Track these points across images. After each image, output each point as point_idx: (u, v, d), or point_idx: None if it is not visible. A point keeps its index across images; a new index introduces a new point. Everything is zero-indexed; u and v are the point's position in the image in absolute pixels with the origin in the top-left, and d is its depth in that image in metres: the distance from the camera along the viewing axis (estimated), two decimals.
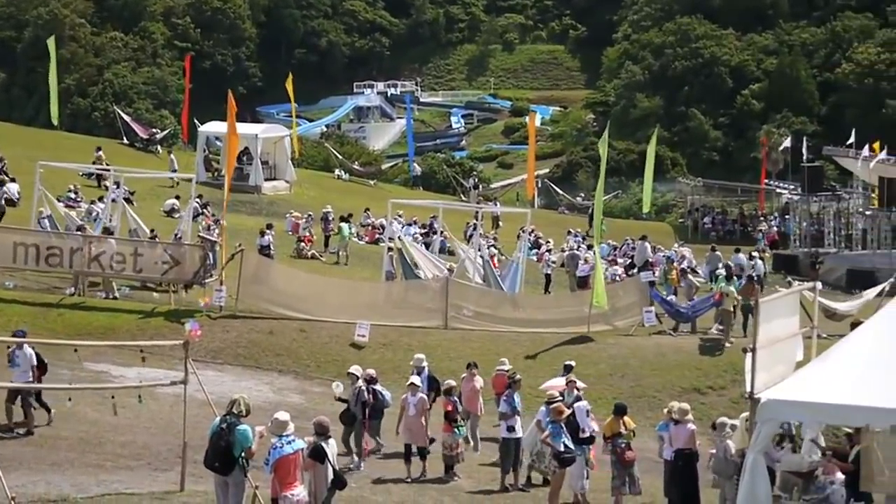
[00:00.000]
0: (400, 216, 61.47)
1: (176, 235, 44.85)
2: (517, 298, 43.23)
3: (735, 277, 41.47)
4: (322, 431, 18.24)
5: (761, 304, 20.63)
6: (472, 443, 28.09)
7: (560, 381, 27.67)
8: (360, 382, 26.08)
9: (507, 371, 29.15)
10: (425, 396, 25.70)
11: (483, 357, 35.65)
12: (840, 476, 21.73)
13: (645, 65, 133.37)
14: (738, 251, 54.76)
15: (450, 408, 25.88)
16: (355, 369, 26.83)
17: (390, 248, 46.68)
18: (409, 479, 24.34)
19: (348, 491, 22.70)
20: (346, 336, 37.36)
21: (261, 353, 36.54)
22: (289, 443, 17.42)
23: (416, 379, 26.01)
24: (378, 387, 26.57)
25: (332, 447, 18.30)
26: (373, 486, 24.04)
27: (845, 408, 19.20)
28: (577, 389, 26.86)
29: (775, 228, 72.68)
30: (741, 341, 34.88)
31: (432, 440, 25.73)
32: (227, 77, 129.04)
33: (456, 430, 25.72)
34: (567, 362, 30.28)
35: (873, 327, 21.14)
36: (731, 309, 38.00)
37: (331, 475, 18.04)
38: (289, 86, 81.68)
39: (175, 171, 66.84)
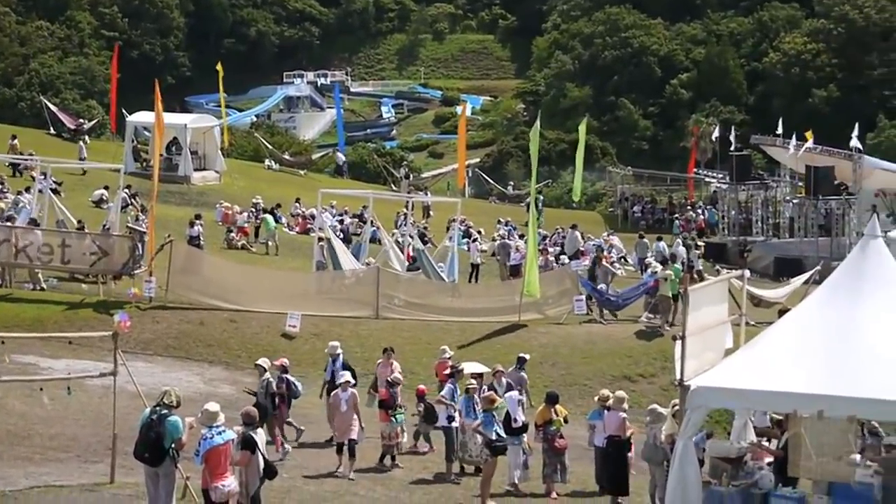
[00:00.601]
0: (332, 206, 61.38)
1: (104, 226, 44.45)
2: (449, 287, 43.24)
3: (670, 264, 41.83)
4: (250, 421, 18.16)
5: (690, 292, 20.75)
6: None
7: (478, 366, 27.86)
8: (268, 374, 26.04)
9: (450, 358, 29.29)
10: (356, 392, 25.29)
11: (414, 346, 35.86)
12: (768, 461, 21.99)
13: (574, 54, 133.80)
14: (659, 240, 55.30)
15: (385, 397, 25.88)
16: (263, 361, 26.77)
17: (321, 239, 46.51)
18: (351, 477, 24.00)
19: (280, 481, 22.66)
20: (277, 326, 37.24)
21: (191, 343, 36.36)
22: (219, 433, 17.35)
23: (348, 375, 25.62)
24: (289, 376, 26.65)
25: (260, 437, 18.22)
26: (305, 477, 23.96)
27: (774, 394, 19.40)
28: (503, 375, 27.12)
29: (702, 217, 73.16)
30: (673, 329, 35.17)
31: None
32: (155, 67, 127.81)
33: (393, 418, 25.71)
34: (521, 355, 30.48)
35: (800, 314, 21.34)
36: (669, 295, 38.14)
37: (262, 465, 17.96)
38: (218, 76, 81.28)
39: (83, 158, 66.11)
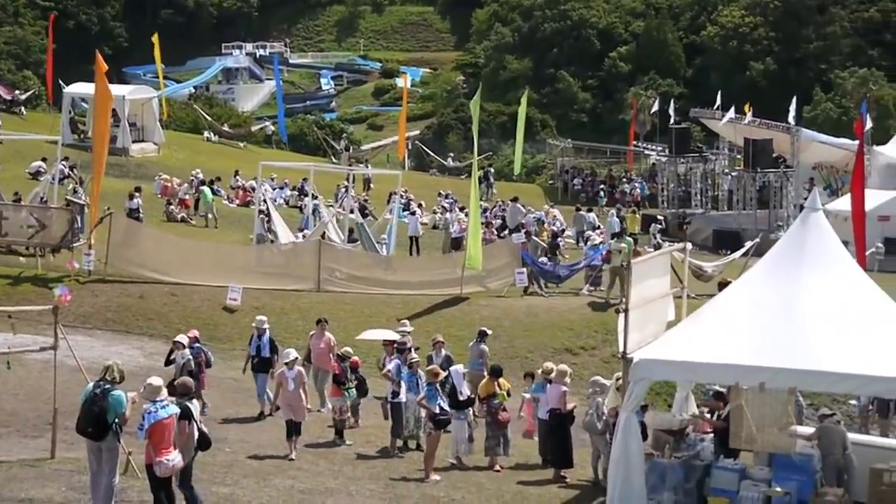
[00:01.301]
0: (273, 179, 61.15)
1: (41, 198, 44.01)
2: (390, 260, 43.20)
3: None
4: (185, 392, 18.04)
5: (633, 265, 20.89)
6: (321, 401, 27.99)
7: (382, 333, 28.32)
8: (187, 351, 25.90)
9: (409, 332, 29.31)
10: (303, 370, 24.88)
11: (356, 319, 35.78)
12: (710, 433, 22.17)
13: (514, 27, 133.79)
14: (589, 211, 55.90)
15: (338, 371, 25.79)
16: (182, 338, 26.62)
17: (261, 211, 46.37)
18: (292, 457, 23.54)
19: (223, 455, 22.72)
20: (218, 300, 37.05)
21: (131, 317, 36.06)
22: (163, 407, 17.22)
23: (294, 352, 24.96)
24: (203, 347, 26.79)
25: (195, 407, 18.10)
26: (249, 449, 23.89)
27: (716, 366, 19.60)
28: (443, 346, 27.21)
29: (637, 190, 73.47)
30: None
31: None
32: (91, 37, 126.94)
33: (345, 392, 25.66)
34: (482, 329, 30.62)
35: (742, 287, 21.53)
36: (621, 265, 38.23)
37: (196, 435, 17.85)
38: (155, 46, 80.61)
39: None
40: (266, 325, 28.05)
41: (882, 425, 25.88)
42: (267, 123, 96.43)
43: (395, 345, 27.11)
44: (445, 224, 50.91)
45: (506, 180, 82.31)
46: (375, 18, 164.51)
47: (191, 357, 25.77)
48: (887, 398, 26.23)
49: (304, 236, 43.41)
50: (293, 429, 23.94)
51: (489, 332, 30.73)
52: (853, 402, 26.11)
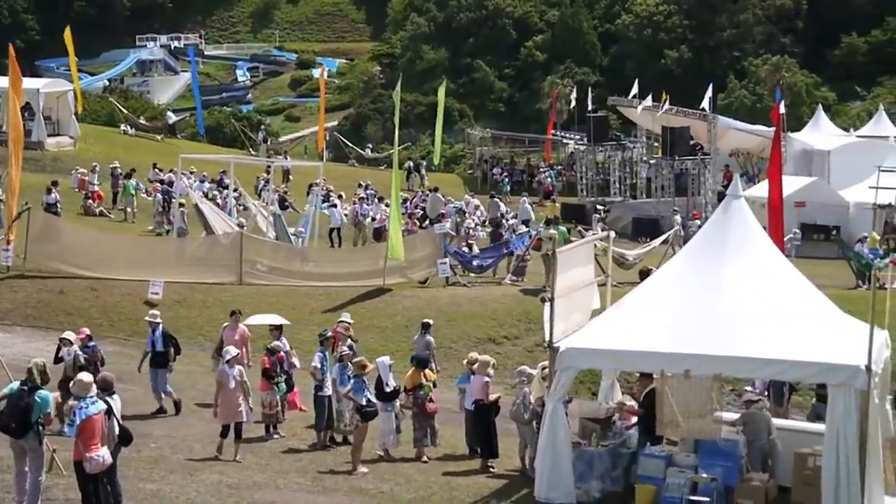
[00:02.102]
0: (192, 173, 60.75)
1: None
2: (312, 252, 43.11)
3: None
4: (106, 387, 17.88)
5: (558, 253, 21.01)
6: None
7: (269, 318, 28.38)
8: (75, 347, 25.33)
9: (350, 325, 29.33)
10: (243, 368, 24.38)
11: (279, 312, 35.30)
12: (635, 421, 22.38)
13: (430, 16, 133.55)
14: (492, 197, 56.45)
15: (268, 365, 25.60)
16: (69, 335, 25.98)
17: (181, 204, 46.11)
18: (238, 458, 22.87)
19: (148, 451, 22.57)
20: (139, 294, 36.80)
21: (51, 313, 35.76)
22: (93, 403, 17.10)
23: (233, 349, 24.10)
24: (94, 344, 26.34)
25: (116, 402, 17.94)
26: (174, 445, 23.77)
27: (641, 354, 19.86)
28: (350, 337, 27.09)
29: (549, 179, 73.72)
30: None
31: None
32: (2, 29, 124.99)
33: (275, 387, 25.47)
34: (425, 320, 30.64)
35: (666, 275, 21.77)
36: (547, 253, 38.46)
37: (117, 430, 17.70)
38: (67, 39, 79.66)
39: None
40: (159, 320, 27.55)
41: (776, 412, 26.22)
42: (169, 113, 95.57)
43: (281, 330, 27.31)
44: (355, 216, 50.69)
45: (426, 170, 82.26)
46: (291, 9, 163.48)
47: (79, 353, 25.11)
48: (809, 382, 26.58)
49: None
50: (236, 431, 23.16)
51: (431, 322, 30.69)
52: (748, 388, 26.36)
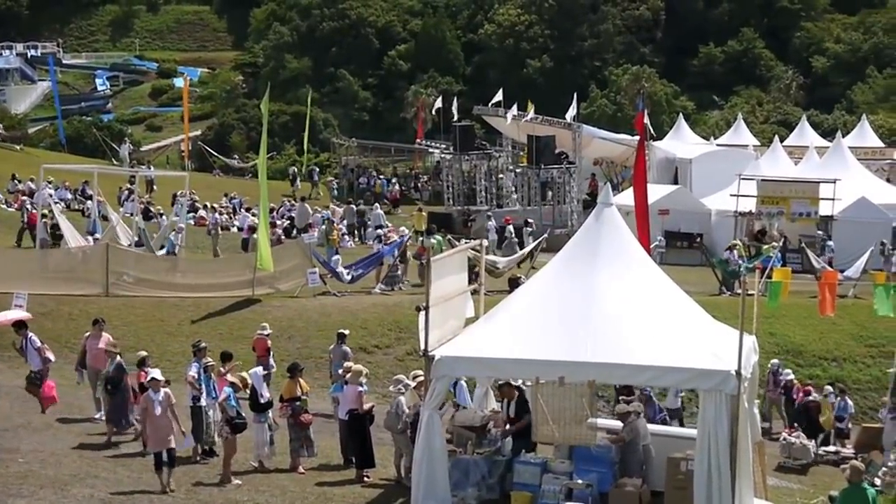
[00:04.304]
0: (49, 182, 59.78)
1: None
2: (180, 263, 42.69)
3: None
4: None
5: (433, 262, 21.07)
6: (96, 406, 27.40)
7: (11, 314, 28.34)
8: None
9: (268, 334, 29.85)
10: (170, 391, 22.74)
11: (147, 323, 35.44)
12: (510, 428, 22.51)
13: (292, 26, 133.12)
14: (348, 204, 56.75)
15: (143, 378, 25.06)
16: None
17: (44, 216, 45.38)
18: (171, 488, 21.74)
19: (17, 466, 22.34)
20: (2, 307, 36.03)
21: None
22: None
23: (157, 373, 22.94)
24: None
25: None
26: (43, 460, 23.38)
27: (516, 362, 19.99)
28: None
29: (396, 187, 73.92)
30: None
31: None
32: None
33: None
34: (340, 331, 30.59)
35: (539, 282, 21.92)
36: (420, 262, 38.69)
37: None
38: None
39: None
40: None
41: None
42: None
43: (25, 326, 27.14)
44: (213, 227, 50.40)
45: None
46: (151, 18, 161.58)
47: None
48: (681, 388, 27.06)
49: (94, 240, 42.53)
50: (169, 460, 21.95)
51: (347, 332, 30.65)
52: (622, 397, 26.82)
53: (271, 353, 31.02)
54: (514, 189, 66.78)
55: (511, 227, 50.87)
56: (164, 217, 52.86)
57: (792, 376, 32.28)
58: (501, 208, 66.21)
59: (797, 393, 31.83)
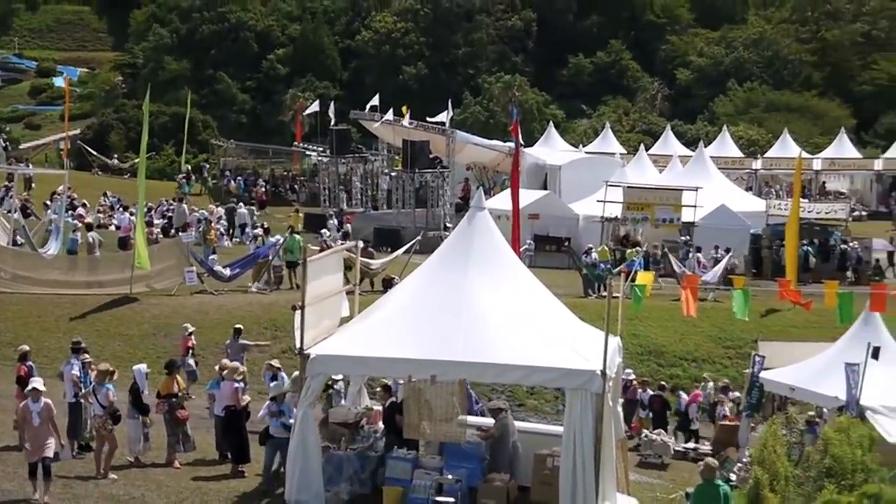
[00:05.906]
0: None
1: None
2: (57, 260, 42.58)
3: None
4: None
5: (309, 262, 21.59)
6: None
7: None
8: None
9: (191, 334, 30.69)
10: (50, 402, 21.52)
11: (24, 320, 35.49)
12: (382, 425, 23.19)
13: (172, 28, 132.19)
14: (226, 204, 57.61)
15: (23, 372, 25.10)
16: None
17: None
18: (46, 500, 21.23)
19: None
20: None
21: None
22: None
23: (38, 383, 21.76)
24: None
25: None
26: None
27: (389, 360, 20.58)
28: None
29: (263, 189, 74.27)
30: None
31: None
32: None
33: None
34: (236, 326, 31.34)
35: (412, 283, 22.56)
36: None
37: None
38: None
39: None
40: None
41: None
42: None
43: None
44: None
45: (169, 180, 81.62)
46: (30, 17, 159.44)
47: None
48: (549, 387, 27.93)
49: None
50: (44, 469, 21.20)
51: (242, 327, 31.34)
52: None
53: (191, 351, 31.51)
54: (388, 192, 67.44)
55: (349, 227, 52.95)
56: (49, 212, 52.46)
57: (633, 377, 33.10)
58: (377, 210, 66.94)
59: (632, 392, 32.50)
